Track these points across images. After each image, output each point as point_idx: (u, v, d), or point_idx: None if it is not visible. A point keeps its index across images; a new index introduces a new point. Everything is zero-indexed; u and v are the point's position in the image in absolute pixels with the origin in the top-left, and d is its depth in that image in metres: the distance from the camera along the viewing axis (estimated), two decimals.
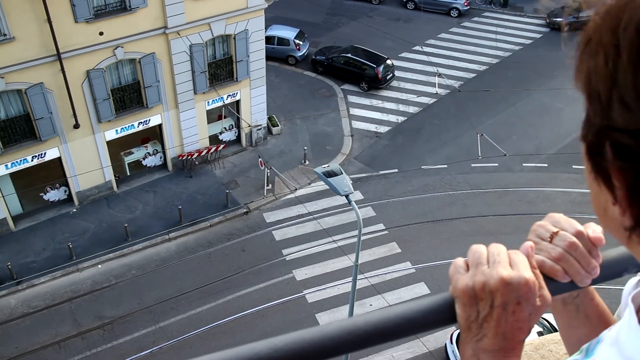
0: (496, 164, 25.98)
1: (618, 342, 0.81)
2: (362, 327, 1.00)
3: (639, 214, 0.70)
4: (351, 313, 15.38)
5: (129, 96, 22.59)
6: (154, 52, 21.86)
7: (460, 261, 1.04)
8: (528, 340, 1.36)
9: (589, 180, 0.79)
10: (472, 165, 25.92)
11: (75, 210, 23.41)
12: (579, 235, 1.10)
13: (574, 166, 25.81)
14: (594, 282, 1.14)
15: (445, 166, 25.98)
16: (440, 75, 30.11)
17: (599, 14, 0.70)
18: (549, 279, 1.07)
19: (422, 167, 26.00)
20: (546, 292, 1.01)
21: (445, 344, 18.76)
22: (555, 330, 1.99)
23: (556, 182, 25.36)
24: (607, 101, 0.68)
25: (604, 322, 1.22)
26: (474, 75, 31.80)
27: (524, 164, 26.27)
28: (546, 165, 26.27)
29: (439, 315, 1.03)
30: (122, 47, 21.06)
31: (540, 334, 15.67)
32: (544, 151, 26.94)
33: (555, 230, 1.11)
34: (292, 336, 0.99)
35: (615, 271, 1.13)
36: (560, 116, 28.69)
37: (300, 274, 21.22)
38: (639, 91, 0.64)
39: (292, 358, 0.97)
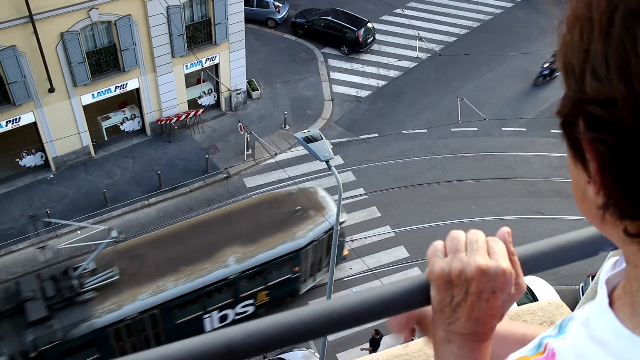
0: (476, 129, 26.10)
1: (587, 322, 0.82)
2: (339, 310, 1.00)
3: (611, 189, 0.70)
4: (331, 276, 15.57)
5: (105, 59, 22.13)
6: (130, 14, 21.35)
7: (439, 244, 1.03)
8: None
9: (569, 164, 0.79)
10: (452, 129, 26.01)
11: (52, 176, 23.13)
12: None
13: (552, 130, 26.02)
14: (571, 260, 1.15)
15: (425, 131, 26.04)
16: (421, 38, 29.91)
17: None
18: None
19: (402, 131, 26.03)
20: (522, 281, 1.01)
21: None
22: (533, 300, 2.02)
23: (534, 146, 25.61)
24: (581, 74, 0.69)
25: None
26: (455, 39, 31.65)
27: (503, 129, 26.43)
28: (525, 129, 26.47)
29: (414, 298, 1.04)
30: (97, 8, 20.53)
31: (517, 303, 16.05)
32: (523, 115, 27.11)
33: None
34: (267, 321, 0.98)
35: (590, 250, 1.14)
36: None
37: None
38: (608, 60, 0.65)
39: (267, 342, 0.97)
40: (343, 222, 18.57)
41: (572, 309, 2.46)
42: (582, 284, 19.20)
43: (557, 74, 27.44)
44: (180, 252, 16.88)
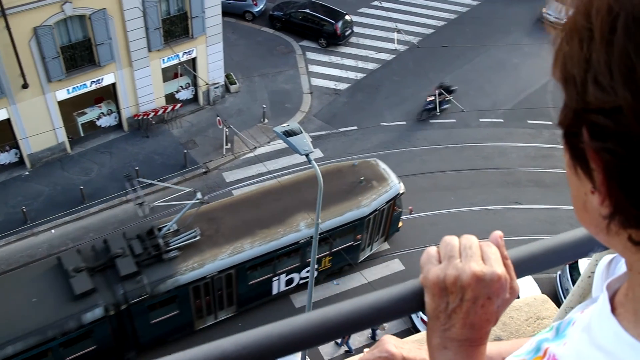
0: (454, 120, 26.25)
1: (590, 329, 0.81)
2: (332, 319, 0.98)
3: (618, 198, 0.69)
4: (313, 269, 15.60)
5: (79, 54, 21.79)
6: (104, 8, 21.03)
7: (432, 251, 1.02)
8: None
9: (569, 175, 0.78)
10: (431, 121, 26.13)
11: (27, 173, 22.75)
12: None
13: (529, 121, 26.32)
14: (563, 261, 1.15)
15: (404, 123, 26.12)
16: (399, 31, 29.96)
17: (576, 5, 0.71)
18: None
19: (381, 123, 26.08)
20: (516, 284, 1.01)
21: None
22: (517, 297, 2.02)
23: (512, 137, 25.85)
24: (583, 84, 0.69)
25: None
26: (432, 31, 31.75)
27: (480, 120, 26.61)
28: (502, 120, 26.69)
29: (408, 304, 1.03)
30: (71, 2, 20.18)
31: None
32: (500, 107, 27.32)
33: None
34: (259, 331, 0.96)
35: (581, 251, 1.14)
36: (517, 72, 29.04)
37: None
38: (611, 69, 0.65)
39: (261, 354, 0.95)
40: (403, 193, 20.02)
41: (552, 299, 2.47)
42: (559, 272, 19.47)
43: (445, 106, 26.02)
44: (254, 217, 17.99)
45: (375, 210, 19.06)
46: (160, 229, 17.03)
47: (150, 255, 16.47)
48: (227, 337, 0.94)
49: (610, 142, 0.66)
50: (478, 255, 0.99)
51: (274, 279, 18.77)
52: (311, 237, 17.66)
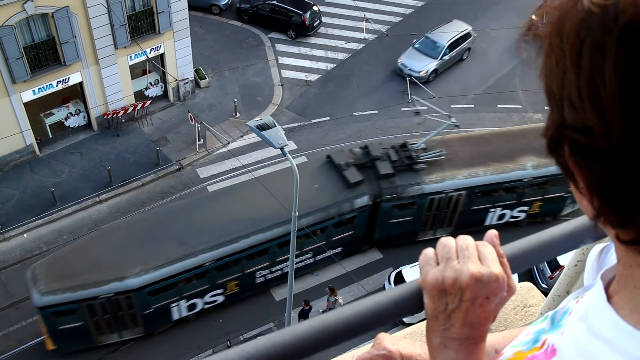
0: (425, 107, 26.39)
1: (587, 318, 0.83)
2: (333, 325, 0.99)
3: (599, 205, 0.73)
4: (292, 263, 15.63)
5: (44, 54, 21.34)
6: (67, 6, 20.61)
7: (430, 252, 1.04)
8: None
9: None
10: (402, 109, 26.26)
11: None
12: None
13: (498, 105, 26.61)
14: (555, 254, 1.17)
15: (376, 112, 26.21)
16: (367, 20, 29.97)
17: (551, 20, 0.74)
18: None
19: (354, 113, 26.13)
20: (512, 282, 1.04)
21: (384, 285, 19.39)
22: None
23: (483, 121, 26.11)
24: (560, 100, 0.73)
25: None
26: (400, 18, 31.82)
27: (451, 106, 26.80)
28: (473, 105, 26.94)
29: (407, 305, 1.04)
30: (32, 0, 19.73)
31: None
32: (470, 92, 27.56)
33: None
34: (263, 341, 0.96)
35: (572, 244, 1.16)
36: (485, 57, 29.30)
37: None
38: (580, 90, 0.68)
39: None
40: None
41: (528, 280, 2.51)
42: None
43: None
44: (487, 151, 20.15)
45: None
46: (412, 145, 19.66)
47: (403, 163, 19.07)
48: (231, 348, 0.95)
49: (587, 159, 0.71)
50: (475, 255, 1.01)
51: (491, 209, 20.56)
52: (534, 177, 19.89)
